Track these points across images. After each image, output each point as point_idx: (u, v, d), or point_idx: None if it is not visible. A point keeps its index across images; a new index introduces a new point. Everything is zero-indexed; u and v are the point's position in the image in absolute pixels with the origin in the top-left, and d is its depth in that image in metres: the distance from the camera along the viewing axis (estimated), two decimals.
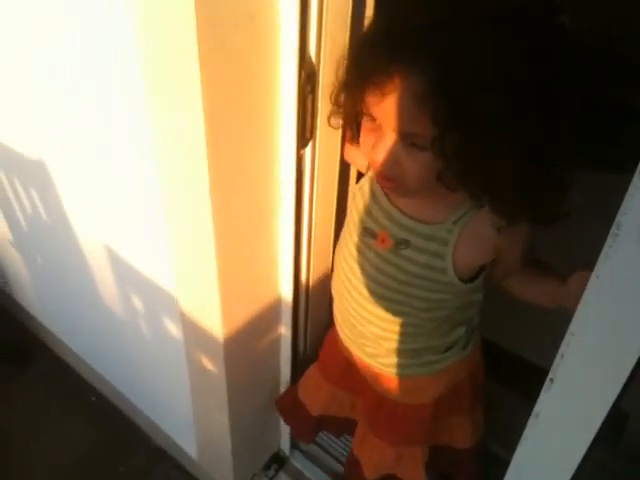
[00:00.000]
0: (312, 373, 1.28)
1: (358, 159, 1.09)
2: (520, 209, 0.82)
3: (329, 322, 1.38)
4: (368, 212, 0.98)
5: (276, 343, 1.29)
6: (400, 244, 0.94)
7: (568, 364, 0.66)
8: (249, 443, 1.44)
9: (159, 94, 0.84)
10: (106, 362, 1.77)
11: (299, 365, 1.35)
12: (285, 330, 1.25)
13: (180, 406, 1.46)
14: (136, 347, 1.52)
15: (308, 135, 0.98)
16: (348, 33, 0.92)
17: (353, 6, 0.90)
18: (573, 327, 0.63)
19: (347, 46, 0.92)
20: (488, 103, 0.71)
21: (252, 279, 1.11)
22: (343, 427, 1.33)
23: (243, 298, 1.11)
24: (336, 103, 0.92)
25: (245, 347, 1.20)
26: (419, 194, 0.88)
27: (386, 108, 0.77)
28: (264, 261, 1.11)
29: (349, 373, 1.18)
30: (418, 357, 1.05)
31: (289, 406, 1.34)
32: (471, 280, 0.94)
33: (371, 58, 0.77)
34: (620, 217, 0.54)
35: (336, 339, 1.17)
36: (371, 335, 1.04)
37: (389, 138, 0.81)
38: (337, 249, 1.09)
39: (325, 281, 1.26)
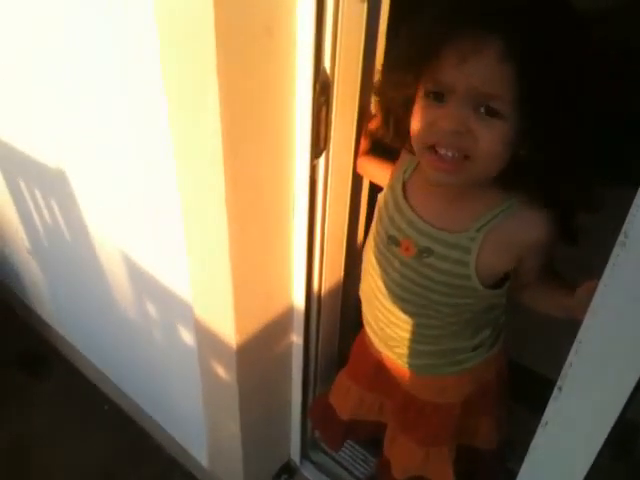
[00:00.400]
0: (342, 377, 1.30)
1: (376, 171, 1.11)
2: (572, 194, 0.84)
3: (342, 330, 1.39)
4: (391, 220, 0.99)
5: (288, 351, 1.30)
6: (423, 252, 0.95)
7: (576, 372, 0.66)
8: (260, 452, 1.45)
9: (178, 105, 0.87)
10: (120, 370, 1.79)
11: (311, 374, 1.36)
12: (297, 338, 1.27)
13: (192, 415, 1.47)
14: (150, 355, 1.54)
15: (322, 145, 0.99)
16: (362, 46, 0.94)
17: (367, 20, 0.92)
18: (581, 335, 0.64)
19: (362, 51, 0.95)
20: (564, 74, 0.74)
21: (265, 287, 1.12)
22: (372, 431, 1.34)
23: (256, 306, 1.13)
24: (379, 93, 0.92)
25: (257, 355, 1.21)
26: (472, 185, 0.86)
27: (466, 69, 0.76)
28: (277, 270, 1.13)
29: (378, 375, 1.20)
30: (445, 357, 1.07)
31: (320, 412, 1.36)
32: (495, 287, 0.95)
33: (446, 24, 0.77)
34: (627, 225, 0.54)
35: (365, 342, 1.19)
36: (398, 337, 1.06)
37: (461, 104, 0.78)
38: (364, 254, 1.10)
39: (337, 290, 1.27)
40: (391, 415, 1.25)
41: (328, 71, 0.91)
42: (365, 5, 0.90)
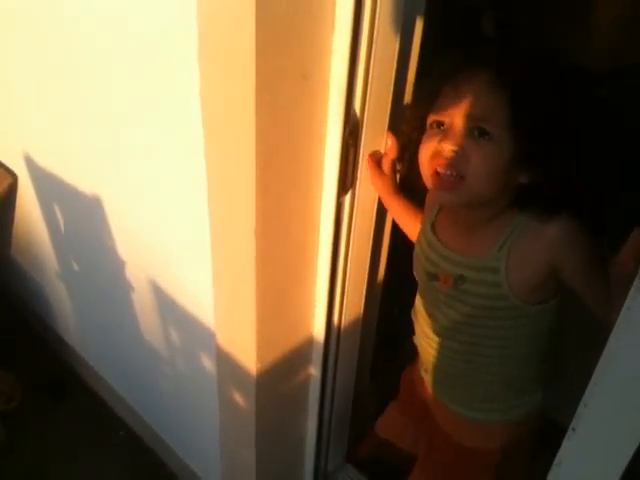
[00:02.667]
0: (390, 408, 1.38)
1: (408, 224, 1.17)
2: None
3: (359, 366, 1.41)
4: (427, 258, 1.06)
5: (305, 384, 1.32)
6: (457, 280, 1.00)
7: (591, 414, 0.68)
8: None
9: (215, 140, 0.92)
10: (139, 396, 1.81)
11: (327, 408, 1.37)
12: (315, 371, 1.29)
13: (208, 443, 1.48)
14: (170, 383, 1.56)
15: (348, 184, 1.04)
16: (391, 93, 0.99)
17: (396, 69, 0.98)
18: (596, 377, 0.66)
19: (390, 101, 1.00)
20: (551, 101, 0.84)
21: (287, 319, 1.15)
22: (399, 458, 1.39)
23: (277, 337, 1.16)
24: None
25: (276, 386, 1.23)
26: (475, 205, 0.94)
27: (460, 96, 0.87)
28: (299, 302, 1.16)
29: (424, 412, 1.23)
30: (492, 402, 1.10)
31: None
32: (540, 303, 0.98)
33: (447, 65, 0.92)
34: None
35: (414, 378, 1.24)
36: (447, 375, 1.12)
37: (457, 128, 0.88)
38: (416, 299, 1.17)
39: (356, 325, 1.29)
40: (425, 456, 1.28)
41: (358, 114, 0.96)
42: (395, 55, 0.95)
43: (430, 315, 1.09)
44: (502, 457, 1.14)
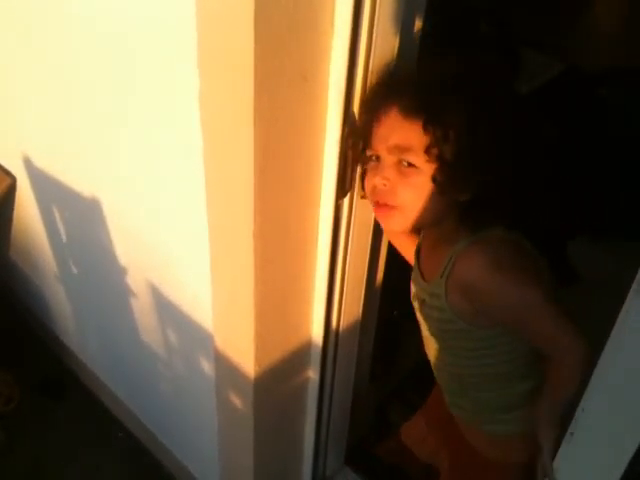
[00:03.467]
0: (417, 415, 1.40)
1: (403, 247, 1.19)
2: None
3: (357, 371, 1.41)
4: (414, 279, 1.09)
5: (304, 387, 1.32)
6: (422, 303, 1.04)
7: (588, 418, 0.68)
8: None
9: (214, 143, 0.92)
10: (137, 398, 1.81)
11: (325, 411, 1.37)
12: (313, 373, 1.28)
13: (206, 446, 1.48)
14: (168, 385, 1.56)
15: (347, 186, 1.03)
16: None
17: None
18: (594, 382, 0.65)
19: None
20: (462, 109, 0.85)
21: (286, 321, 1.15)
22: (417, 468, 1.41)
23: (276, 339, 1.16)
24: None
25: (274, 388, 1.23)
26: (425, 227, 0.98)
27: (381, 130, 0.89)
28: (298, 304, 1.16)
29: (449, 424, 1.22)
30: (503, 412, 1.09)
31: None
32: (493, 326, 0.97)
33: (372, 97, 0.92)
34: None
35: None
36: (451, 387, 1.13)
37: (385, 161, 0.90)
38: None
39: (355, 328, 1.29)
40: (449, 469, 1.28)
41: (357, 115, 0.96)
42: (395, 56, 0.95)
43: (423, 329, 1.11)
44: (528, 471, 1.10)
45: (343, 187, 1.03)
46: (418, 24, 0.97)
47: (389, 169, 0.90)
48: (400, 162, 0.89)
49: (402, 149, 0.88)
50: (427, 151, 0.85)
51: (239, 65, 0.79)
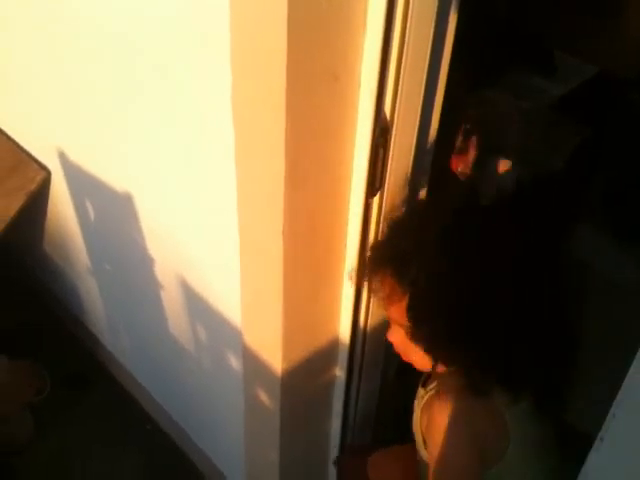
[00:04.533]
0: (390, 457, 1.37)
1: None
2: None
3: (384, 371, 1.41)
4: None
5: (330, 385, 1.32)
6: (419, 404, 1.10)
7: (619, 424, 0.67)
8: None
9: (246, 142, 0.92)
10: (165, 392, 1.83)
11: (351, 409, 1.37)
12: (340, 372, 1.29)
13: (233, 441, 1.49)
14: (196, 380, 1.58)
15: (377, 185, 1.03)
16: (422, 94, 0.98)
17: (428, 69, 0.97)
18: (624, 389, 0.65)
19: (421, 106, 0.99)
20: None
21: (313, 319, 1.16)
22: None
23: (304, 336, 1.16)
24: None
25: (301, 385, 1.24)
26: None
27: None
28: (326, 303, 1.16)
29: None
30: None
31: None
32: None
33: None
34: None
35: None
36: None
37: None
38: None
39: (383, 326, 1.29)
40: None
41: (388, 115, 0.96)
42: (428, 56, 0.94)
43: None
44: None
45: (373, 186, 1.03)
46: (452, 22, 0.96)
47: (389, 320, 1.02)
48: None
49: (390, 306, 0.97)
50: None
51: (272, 65, 0.79)
